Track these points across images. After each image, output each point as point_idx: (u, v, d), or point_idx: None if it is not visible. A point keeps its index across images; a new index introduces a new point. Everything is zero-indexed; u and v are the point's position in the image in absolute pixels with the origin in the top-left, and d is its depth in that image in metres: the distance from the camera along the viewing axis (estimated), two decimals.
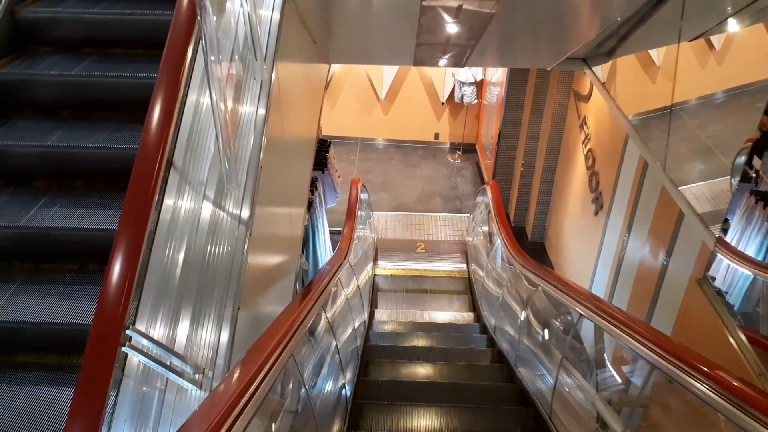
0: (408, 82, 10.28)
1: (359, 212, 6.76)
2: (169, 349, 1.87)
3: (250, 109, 2.40)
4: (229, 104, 2.13)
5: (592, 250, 6.12)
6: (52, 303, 2.22)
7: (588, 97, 6.35)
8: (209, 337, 1.96)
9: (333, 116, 10.51)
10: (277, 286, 3.17)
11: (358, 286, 5.58)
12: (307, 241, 6.36)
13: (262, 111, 2.42)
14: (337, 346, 3.58)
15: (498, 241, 6.16)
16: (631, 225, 5.05)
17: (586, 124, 6.39)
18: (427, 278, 7.50)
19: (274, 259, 3.06)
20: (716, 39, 3.76)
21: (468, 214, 8.65)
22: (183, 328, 1.95)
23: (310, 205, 6.19)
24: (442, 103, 10.34)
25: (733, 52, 3.58)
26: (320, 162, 7.10)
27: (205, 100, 2.29)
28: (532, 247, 7.99)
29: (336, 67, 10.11)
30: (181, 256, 2.04)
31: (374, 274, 7.54)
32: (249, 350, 1.88)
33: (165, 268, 2.02)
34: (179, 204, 2.12)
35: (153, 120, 2.09)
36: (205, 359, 1.92)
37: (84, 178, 2.60)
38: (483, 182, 9.72)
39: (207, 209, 2.13)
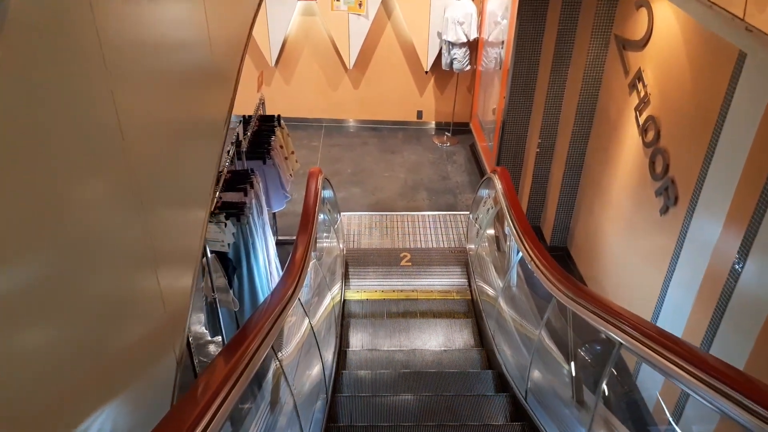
0: (383, 45, 8.21)
1: (320, 216, 4.73)
2: None
3: None
4: None
5: (659, 264, 4.18)
6: None
7: (645, 42, 4.36)
8: None
9: (288, 93, 8.43)
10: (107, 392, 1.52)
11: (312, 330, 3.65)
12: (240, 265, 4.31)
13: None
14: None
15: (518, 254, 4.29)
16: (758, 226, 3.08)
17: (641, 80, 4.41)
18: (417, 302, 5.51)
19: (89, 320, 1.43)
20: None
21: (467, 212, 6.66)
22: None
23: (241, 212, 4.15)
24: (426, 72, 8.29)
25: None
26: (260, 149, 5.02)
27: None
28: (553, 253, 6.00)
29: (291, 30, 7.99)
30: None
31: (344, 300, 5.52)
32: None
33: None
34: None
35: None
36: None
37: None
38: (480, 169, 7.74)
39: None
